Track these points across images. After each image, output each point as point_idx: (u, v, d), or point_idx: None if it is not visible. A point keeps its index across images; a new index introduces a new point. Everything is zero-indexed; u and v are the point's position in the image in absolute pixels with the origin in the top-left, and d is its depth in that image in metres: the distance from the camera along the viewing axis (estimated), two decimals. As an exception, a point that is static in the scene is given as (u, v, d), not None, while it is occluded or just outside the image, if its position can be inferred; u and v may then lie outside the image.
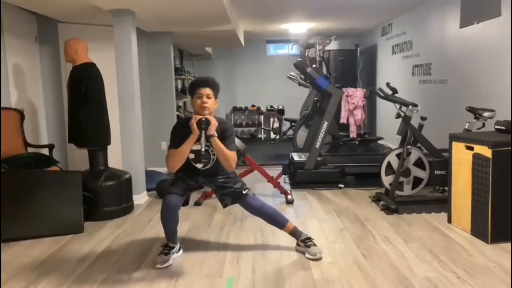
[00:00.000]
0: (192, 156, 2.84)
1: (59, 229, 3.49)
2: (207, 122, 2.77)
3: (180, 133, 2.85)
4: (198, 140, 2.79)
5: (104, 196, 3.89)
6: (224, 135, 2.86)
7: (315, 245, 3.00)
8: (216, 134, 2.80)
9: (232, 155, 2.83)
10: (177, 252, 3.01)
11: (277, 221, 3.09)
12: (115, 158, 4.43)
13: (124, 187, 4.06)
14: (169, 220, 2.94)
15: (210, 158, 2.85)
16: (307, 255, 2.95)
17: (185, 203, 3.27)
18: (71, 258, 3.05)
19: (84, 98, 3.89)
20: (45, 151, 4.34)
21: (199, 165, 2.87)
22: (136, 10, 4.36)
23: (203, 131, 2.77)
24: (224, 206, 3.06)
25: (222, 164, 2.87)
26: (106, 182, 3.92)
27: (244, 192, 2.99)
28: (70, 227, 3.54)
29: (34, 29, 4.84)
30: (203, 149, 2.79)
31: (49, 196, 3.53)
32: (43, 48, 4.94)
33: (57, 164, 4.15)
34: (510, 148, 3.12)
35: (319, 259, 2.91)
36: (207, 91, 2.85)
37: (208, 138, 2.79)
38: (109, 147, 4.17)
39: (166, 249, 2.95)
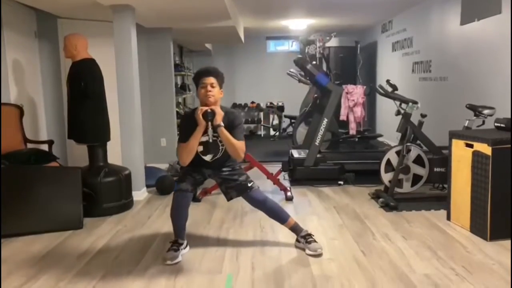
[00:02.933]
0: (200, 148, 2.86)
1: (59, 225, 3.50)
2: (213, 113, 2.78)
3: (188, 125, 2.86)
4: (206, 131, 2.81)
5: (103, 192, 3.89)
6: (232, 125, 2.86)
7: (315, 241, 3.00)
8: (222, 124, 2.80)
9: (240, 144, 2.83)
10: (184, 248, 3.02)
11: (279, 215, 3.10)
12: (114, 154, 4.43)
13: (123, 183, 4.05)
14: (179, 216, 2.98)
15: (219, 148, 2.87)
16: (307, 251, 2.96)
17: (194, 199, 3.28)
18: (70, 254, 3.05)
19: (84, 94, 3.88)
20: (45, 147, 4.34)
21: (208, 157, 2.90)
22: (136, 6, 4.35)
23: (209, 122, 2.79)
24: (229, 199, 3.06)
25: (230, 154, 2.88)
26: (105, 178, 3.92)
27: (249, 185, 3.00)
28: (70, 223, 3.55)
29: (34, 24, 4.83)
30: (210, 140, 2.81)
31: (49, 192, 3.53)
32: (42, 43, 4.92)
33: (57, 160, 4.15)
34: (510, 145, 3.12)
35: (320, 255, 2.91)
36: (211, 80, 2.84)
37: (215, 128, 2.80)
38: (108, 143, 4.17)
39: (175, 245, 2.95)
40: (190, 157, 2.84)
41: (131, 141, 4.42)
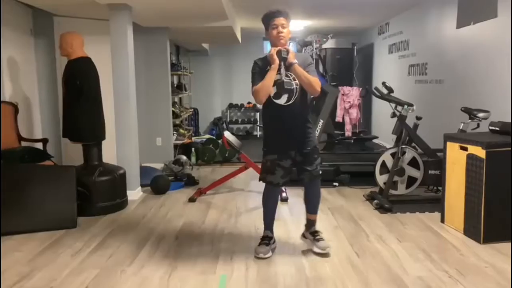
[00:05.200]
0: (273, 90, 2.78)
1: (53, 224, 3.48)
2: (287, 52, 2.76)
3: (260, 69, 2.83)
4: (278, 71, 2.77)
5: (98, 191, 3.87)
6: (304, 64, 2.82)
7: (323, 239, 3.01)
8: (296, 61, 2.76)
9: (315, 79, 2.78)
10: (273, 244, 3.04)
11: (316, 205, 3.09)
12: (109, 153, 4.41)
13: (118, 182, 4.04)
14: (270, 206, 3.04)
15: (293, 87, 2.77)
16: (315, 249, 2.97)
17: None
18: (64, 252, 3.04)
19: (79, 93, 3.87)
20: (39, 146, 4.32)
21: (282, 99, 2.79)
22: (133, 5, 4.33)
23: (282, 62, 2.75)
24: (303, 181, 2.99)
25: (307, 90, 2.80)
26: (100, 177, 3.90)
27: (320, 173, 2.99)
28: (64, 222, 3.53)
29: (29, 22, 4.80)
30: (283, 78, 2.74)
31: (43, 191, 3.51)
32: (38, 41, 4.90)
33: (51, 158, 4.13)
34: (504, 149, 3.13)
35: (327, 254, 2.92)
36: (281, 20, 2.83)
37: (288, 67, 2.76)
38: (103, 142, 4.15)
39: (266, 239, 3.00)
40: (265, 95, 2.76)
41: (126, 140, 4.40)
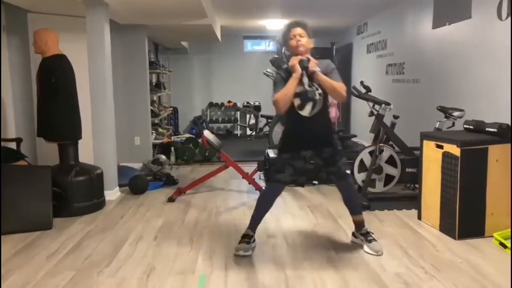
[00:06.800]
0: (297, 101, 2.72)
1: (27, 226, 3.39)
2: (308, 60, 2.71)
3: (283, 79, 2.79)
4: (300, 82, 2.71)
5: (74, 191, 3.80)
6: (327, 70, 2.79)
7: (375, 240, 3.02)
8: (319, 69, 2.72)
9: (340, 84, 2.74)
10: (253, 243, 3.03)
11: (355, 207, 3.09)
12: (86, 152, 4.33)
13: (95, 182, 3.97)
14: (266, 204, 3.05)
15: (316, 96, 2.70)
16: (367, 249, 2.98)
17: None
18: (39, 254, 2.97)
19: (54, 91, 3.78)
20: (13, 145, 4.20)
21: (306, 111, 2.72)
22: (109, 2, 4.26)
23: (304, 71, 2.70)
24: (329, 183, 2.94)
25: (333, 97, 2.81)
26: (76, 177, 3.83)
27: (347, 172, 2.95)
28: (39, 223, 3.44)
29: (2, 18, 4.66)
30: (307, 87, 2.69)
31: (17, 192, 3.43)
32: (11, 38, 4.76)
33: (25, 158, 4.03)
34: (478, 147, 3.20)
35: (380, 255, 2.92)
36: (299, 30, 2.81)
37: (311, 76, 2.72)
38: (80, 141, 4.08)
39: (247, 238, 3.00)
40: (286, 103, 2.71)
41: (104, 140, 4.33)
